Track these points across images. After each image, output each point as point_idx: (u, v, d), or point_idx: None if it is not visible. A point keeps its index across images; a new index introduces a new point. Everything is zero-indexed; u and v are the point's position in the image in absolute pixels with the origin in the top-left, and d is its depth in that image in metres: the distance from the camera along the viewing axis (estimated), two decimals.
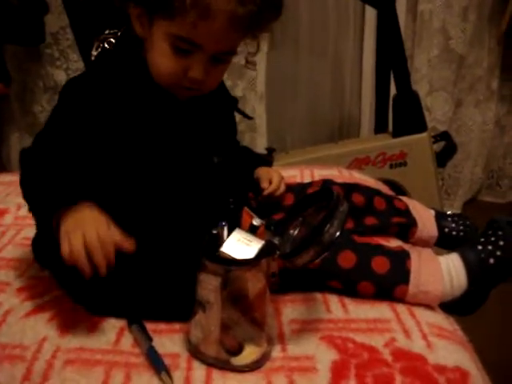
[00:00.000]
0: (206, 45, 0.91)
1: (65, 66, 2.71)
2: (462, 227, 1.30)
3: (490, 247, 1.07)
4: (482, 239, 1.09)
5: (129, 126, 0.95)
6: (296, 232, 0.92)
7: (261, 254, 0.82)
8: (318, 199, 0.92)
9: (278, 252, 0.85)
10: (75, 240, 0.80)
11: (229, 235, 0.84)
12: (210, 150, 1.05)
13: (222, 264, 0.81)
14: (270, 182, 1.18)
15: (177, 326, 0.92)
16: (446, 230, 1.29)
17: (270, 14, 0.93)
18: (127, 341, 0.90)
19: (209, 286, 0.81)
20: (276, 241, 0.88)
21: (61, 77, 2.71)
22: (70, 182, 0.86)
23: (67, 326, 0.93)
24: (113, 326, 0.93)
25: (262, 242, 0.84)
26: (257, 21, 0.91)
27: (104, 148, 0.93)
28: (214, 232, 0.83)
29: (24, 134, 2.84)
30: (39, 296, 1.01)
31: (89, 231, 0.81)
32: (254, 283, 0.83)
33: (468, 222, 1.31)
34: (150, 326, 0.92)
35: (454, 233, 1.29)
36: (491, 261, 1.05)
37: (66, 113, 0.95)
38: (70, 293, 1.00)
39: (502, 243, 1.07)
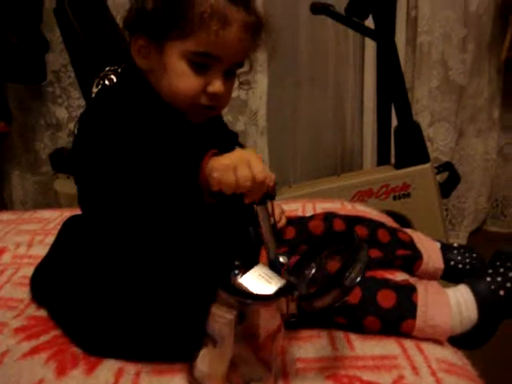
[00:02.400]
0: (224, 56, 0.94)
1: (66, 103, 2.73)
2: (468, 260, 1.27)
3: (499, 279, 1.05)
4: (490, 270, 1.07)
5: (150, 151, 0.91)
6: (312, 273, 0.91)
7: (280, 292, 0.81)
8: (336, 241, 0.91)
9: (296, 292, 0.83)
10: (243, 171, 0.78)
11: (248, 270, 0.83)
12: None
13: (239, 296, 0.79)
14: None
15: (178, 366, 0.90)
16: (452, 262, 1.27)
17: (264, 27, 0.99)
18: (126, 382, 0.87)
19: (222, 319, 0.79)
20: (293, 280, 0.86)
21: (62, 114, 2.73)
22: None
23: (64, 367, 0.90)
24: (111, 366, 0.90)
25: (283, 281, 0.82)
26: (259, 30, 0.97)
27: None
28: (236, 263, 0.82)
29: (25, 173, 2.84)
30: (36, 337, 0.98)
31: (255, 165, 0.79)
32: (270, 322, 0.81)
33: (474, 255, 1.29)
34: (149, 367, 0.90)
35: (460, 266, 1.26)
36: (501, 293, 1.03)
37: (106, 150, 0.90)
38: (68, 332, 0.98)
39: (511, 274, 1.05)
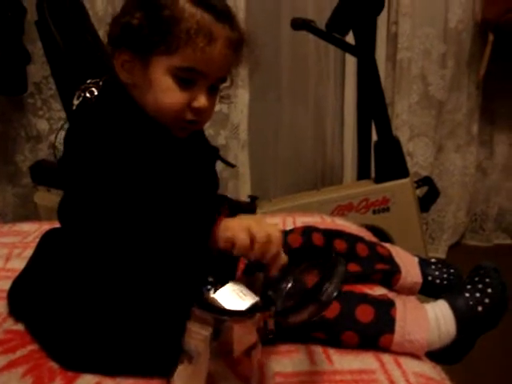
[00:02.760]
0: (209, 71, 0.95)
1: (47, 115, 2.72)
2: (445, 275, 1.28)
3: (477, 294, 1.05)
4: (469, 286, 1.08)
5: (136, 167, 0.93)
6: (288, 287, 0.90)
7: (255, 307, 0.80)
8: (313, 255, 0.91)
9: (273, 308, 0.83)
10: (260, 232, 0.84)
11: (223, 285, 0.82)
12: (199, 193, 1.05)
13: (214, 313, 0.78)
14: None
15: (155, 381, 0.89)
16: (430, 277, 1.28)
17: (246, 42, 1.01)
18: None
19: (198, 335, 0.78)
20: (271, 295, 0.86)
21: (43, 126, 2.72)
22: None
23: (41, 382, 0.89)
24: (88, 382, 0.90)
25: (257, 298, 0.81)
26: (241, 46, 0.99)
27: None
28: (210, 279, 0.82)
29: (5, 185, 2.82)
30: (13, 351, 0.97)
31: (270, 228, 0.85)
32: (246, 337, 0.81)
33: (452, 270, 1.29)
34: (127, 381, 0.89)
35: (437, 281, 1.27)
36: (479, 308, 1.04)
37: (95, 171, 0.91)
38: (45, 347, 0.97)
39: (489, 290, 1.06)
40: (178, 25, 0.91)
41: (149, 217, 0.88)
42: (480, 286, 1.07)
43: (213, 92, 1.00)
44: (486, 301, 1.05)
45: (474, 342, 1.09)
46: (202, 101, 0.96)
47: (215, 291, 0.79)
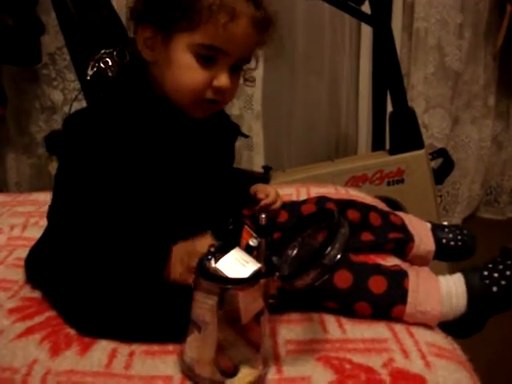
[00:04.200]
0: (230, 50, 0.93)
1: (61, 86, 2.71)
2: (459, 237, 1.28)
3: (495, 275, 1.05)
4: (490, 265, 1.07)
5: (150, 154, 0.94)
6: (294, 253, 0.90)
7: (257, 274, 0.80)
8: (318, 220, 0.90)
9: (277, 273, 0.83)
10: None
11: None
12: (215, 171, 1.05)
13: (217, 282, 0.79)
14: (267, 196, 1.17)
15: (170, 347, 0.90)
16: (444, 240, 1.28)
17: (272, 23, 0.99)
18: (119, 363, 0.88)
19: (204, 305, 0.79)
20: (274, 261, 0.86)
21: (58, 97, 2.72)
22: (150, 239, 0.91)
23: (58, 347, 0.91)
24: (104, 347, 0.91)
25: (259, 265, 0.82)
26: (267, 26, 0.97)
27: (132, 183, 0.93)
28: (212, 250, 0.82)
29: (20, 155, 2.84)
30: (30, 317, 0.99)
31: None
32: (252, 304, 0.81)
33: (465, 231, 1.29)
34: (142, 348, 0.91)
35: (452, 243, 1.27)
36: (494, 289, 1.03)
37: (89, 168, 0.92)
38: (62, 313, 0.99)
39: (508, 273, 1.05)
40: (200, 1, 0.89)
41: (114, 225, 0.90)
42: (500, 266, 1.06)
43: (235, 72, 0.98)
44: (503, 282, 1.04)
45: (484, 321, 1.08)
46: (222, 80, 0.95)
47: (217, 260, 0.80)
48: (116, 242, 0.89)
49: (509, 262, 1.06)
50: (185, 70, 0.94)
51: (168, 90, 0.97)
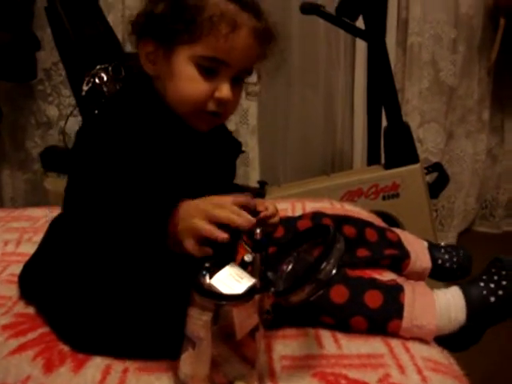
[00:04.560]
0: (232, 61, 0.93)
1: (57, 101, 2.72)
2: (455, 259, 1.28)
3: (492, 285, 1.05)
4: (485, 276, 1.08)
5: (155, 161, 0.93)
6: (290, 268, 0.90)
7: (252, 290, 0.80)
8: (313, 235, 0.90)
9: (272, 289, 0.83)
10: (220, 213, 0.79)
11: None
12: (214, 186, 1.05)
13: (212, 298, 0.78)
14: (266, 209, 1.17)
15: (164, 363, 0.90)
16: (440, 261, 1.28)
17: (273, 35, 0.99)
18: (113, 380, 0.87)
19: (199, 321, 0.79)
20: (269, 276, 0.86)
21: (53, 112, 2.73)
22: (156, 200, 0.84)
23: (52, 364, 0.90)
24: (98, 364, 0.90)
25: (254, 280, 0.81)
26: (268, 38, 0.98)
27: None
28: (207, 265, 0.81)
29: (16, 171, 2.83)
30: (24, 334, 0.98)
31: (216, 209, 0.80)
32: (246, 320, 0.81)
33: (462, 254, 1.30)
34: (136, 364, 0.90)
35: (447, 264, 1.27)
36: (492, 299, 1.04)
37: (101, 167, 0.90)
38: (56, 329, 0.98)
39: (504, 283, 1.05)
40: (202, 13, 0.90)
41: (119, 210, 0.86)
42: (495, 277, 1.07)
43: (237, 84, 0.98)
44: (500, 292, 1.04)
45: (482, 333, 1.09)
46: (224, 91, 0.94)
47: (212, 276, 0.79)
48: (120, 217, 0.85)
49: (503, 273, 1.07)
50: (187, 81, 0.94)
51: (171, 103, 0.97)
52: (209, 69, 0.93)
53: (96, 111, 1.01)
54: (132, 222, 0.84)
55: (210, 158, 1.04)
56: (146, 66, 0.97)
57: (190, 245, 0.78)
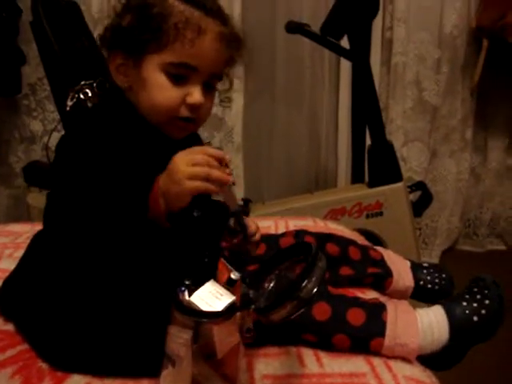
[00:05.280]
0: (200, 66, 0.95)
1: (41, 116, 2.71)
2: (437, 280, 1.28)
3: (475, 304, 1.05)
4: (467, 296, 1.07)
5: (133, 171, 0.92)
6: (271, 285, 0.89)
7: (232, 307, 0.79)
8: (295, 253, 0.89)
9: (252, 306, 0.83)
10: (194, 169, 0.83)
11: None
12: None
13: (191, 316, 0.78)
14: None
15: (144, 381, 0.89)
16: (422, 282, 1.28)
17: (241, 40, 1.02)
18: None
19: (179, 339, 0.77)
20: (250, 294, 0.86)
21: (37, 127, 2.71)
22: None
23: (30, 382, 0.89)
24: (77, 382, 0.89)
25: (233, 297, 0.81)
26: (235, 42, 1.00)
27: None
28: (186, 282, 0.81)
29: None
30: (2, 351, 0.97)
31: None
32: (227, 338, 0.80)
33: (444, 275, 1.30)
34: (116, 382, 0.89)
35: (429, 285, 1.27)
36: (475, 318, 1.04)
37: (83, 173, 0.90)
38: (35, 347, 0.97)
39: (487, 302, 1.05)
40: (167, 21, 0.92)
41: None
42: (478, 296, 1.06)
43: (209, 90, 0.99)
44: (483, 312, 1.04)
45: (465, 352, 1.08)
46: (195, 96, 0.95)
47: (191, 293, 0.79)
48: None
49: (486, 292, 1.07)
50: (158, 89, 0.95)
51: (144, 112, 0.98)
52: (178, 75, 0.95)
53: (75, 126, 1.00)
54: (112, 211, 0.86)
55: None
56: (117, 78, 0.98)
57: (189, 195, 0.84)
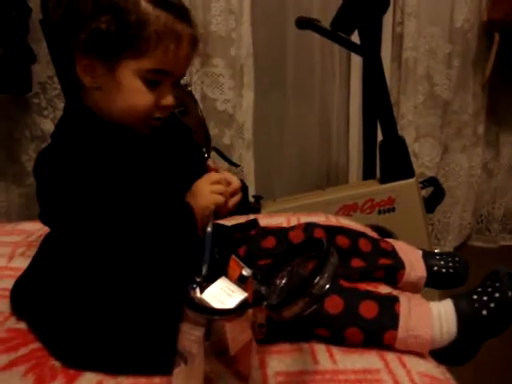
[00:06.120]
0: (175, 70, 1.00)
1: (52, 115, 2.71)
2: (451, 264, 1.26)
3: (485, 298, 1.03)
4: (480, 289, 1.06)
5: (113, 175, 0.95)
6: (283, 282, 0.89)
7: (244, 304, 0.79)
8: (307, 249, 0.89)
9: (264, 303, 0.82)
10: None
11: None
12: (186, 172, 1.09)
13: (204, 313, 0.77)
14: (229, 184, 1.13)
15: (157, 379, 0.89)
16: (435, 268, 1.26)
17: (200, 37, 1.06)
18: None
19: (191, 336, 0.77)
20: (262, 291, 0.85)
21: (48, 126, 2.70)
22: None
23: (43, 380, 0.89)
24: (90, 379, 0.89)
25: (245, 294, 0.80)
26: (198, 42, 1.03)
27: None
28: (198, 279, 0.81)
29: (10, 184, 2.82)
30: (15, 349, 0.97)
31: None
32: (240, 335, 0.80)
33: (457, 258, 1.28)
34: (128, 380, 0.89)
35: (443, 270, 1.26)
36: (484, 312, 1.02)
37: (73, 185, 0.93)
38: (47, 345, 0.97)
39: (497, 295, 1.03)
40: (146, 28, 0.93)
41: (134, 221, 0.93)
42: (489, 289, 1.05)
43: (175, 88, 1.04)
44: (492, 305, 1.02)
45: (478, 347, 1.06)
46: (169, 99, 1.01)
47: (202, 291, 0.78)
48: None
49: (497, 285, 1.05)
50: (134, 94, 0.98)
51: (116, 113, 1.00)
52: (154, 80, 0.98)
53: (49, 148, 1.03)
54: (159, 227, 0.95)
55: (167, 151, 1.10)
56: (84, 78, 0.99)
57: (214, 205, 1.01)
